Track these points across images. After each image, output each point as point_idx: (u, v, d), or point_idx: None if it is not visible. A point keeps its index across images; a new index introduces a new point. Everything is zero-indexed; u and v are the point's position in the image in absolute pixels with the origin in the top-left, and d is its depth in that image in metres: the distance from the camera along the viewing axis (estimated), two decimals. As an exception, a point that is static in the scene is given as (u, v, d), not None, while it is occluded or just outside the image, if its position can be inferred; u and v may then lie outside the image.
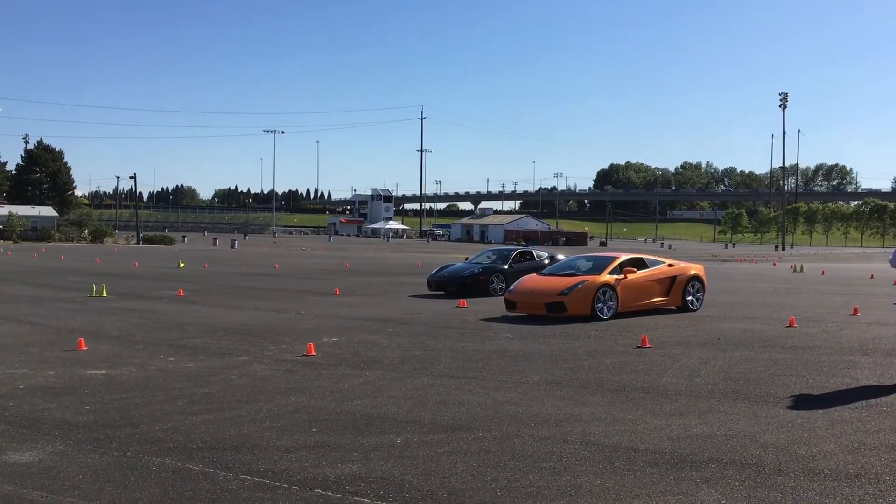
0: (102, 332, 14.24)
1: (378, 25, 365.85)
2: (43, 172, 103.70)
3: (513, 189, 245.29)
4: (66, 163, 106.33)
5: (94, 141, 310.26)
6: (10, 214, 79.56)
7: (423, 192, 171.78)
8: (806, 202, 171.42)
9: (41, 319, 16.30)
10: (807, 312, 17.97)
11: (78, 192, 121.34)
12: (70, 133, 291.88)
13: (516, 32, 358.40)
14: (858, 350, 12.20)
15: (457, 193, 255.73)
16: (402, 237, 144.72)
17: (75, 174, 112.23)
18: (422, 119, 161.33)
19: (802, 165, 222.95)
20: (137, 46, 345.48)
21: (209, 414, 7.95)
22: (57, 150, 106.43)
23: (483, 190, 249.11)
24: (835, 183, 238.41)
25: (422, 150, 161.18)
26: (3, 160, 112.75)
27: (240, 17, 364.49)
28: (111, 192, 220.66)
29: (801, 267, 43.31)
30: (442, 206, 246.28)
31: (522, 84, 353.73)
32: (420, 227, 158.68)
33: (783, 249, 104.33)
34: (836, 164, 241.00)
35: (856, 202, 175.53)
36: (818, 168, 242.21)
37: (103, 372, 10.32)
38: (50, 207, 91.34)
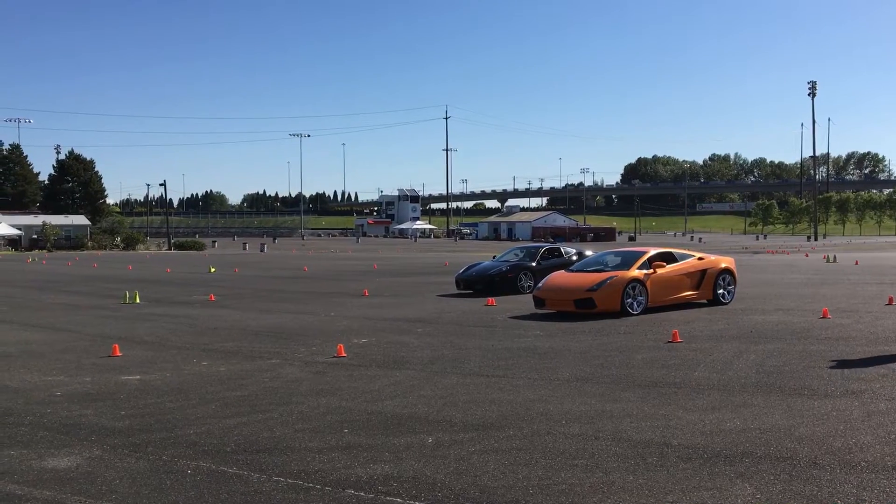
0: (136, 338, 14.44)
1: (401, 26, 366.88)
2: (75, 182, 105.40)
3: (539, 186, 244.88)
4: (97, 172, 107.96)
5: (125, 149, 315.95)
6: (44, 224, 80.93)
7: (449, 191, 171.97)
8: (838, 191, 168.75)
9: (76, 326, 16.56)
10: (841, 303, 17.71)
11: (109, 201, 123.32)
12: (100, 142, 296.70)
13: (540, 29, 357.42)
14: (894, 340, 11.99)
15: (483, 192, 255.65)
16: (429, 237, 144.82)
17: (106, 183, 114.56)
18: (446, 118, 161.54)
19: (833, 154, 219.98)
20: (164, 56, 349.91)
21: (242, 417, 8.03)
22: (88, 159, 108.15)
23: (509, 187, 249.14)
24: (867, 171, 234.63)
25: (447, 150, 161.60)
26: (35, 171, 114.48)
27: (264, 23, 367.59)
28: (142, 200, 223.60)
29: (835, 257, 42.67)
30: (469, 204, 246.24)
31: (547, 80, 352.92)
32: (447, 227, 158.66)
33: (815, 240, 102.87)
34: (868, 152, 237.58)
35: (889, 190, 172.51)
36: (849, 156, 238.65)
37: (138, 377, 10.46)
38: (82, 216, 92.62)
